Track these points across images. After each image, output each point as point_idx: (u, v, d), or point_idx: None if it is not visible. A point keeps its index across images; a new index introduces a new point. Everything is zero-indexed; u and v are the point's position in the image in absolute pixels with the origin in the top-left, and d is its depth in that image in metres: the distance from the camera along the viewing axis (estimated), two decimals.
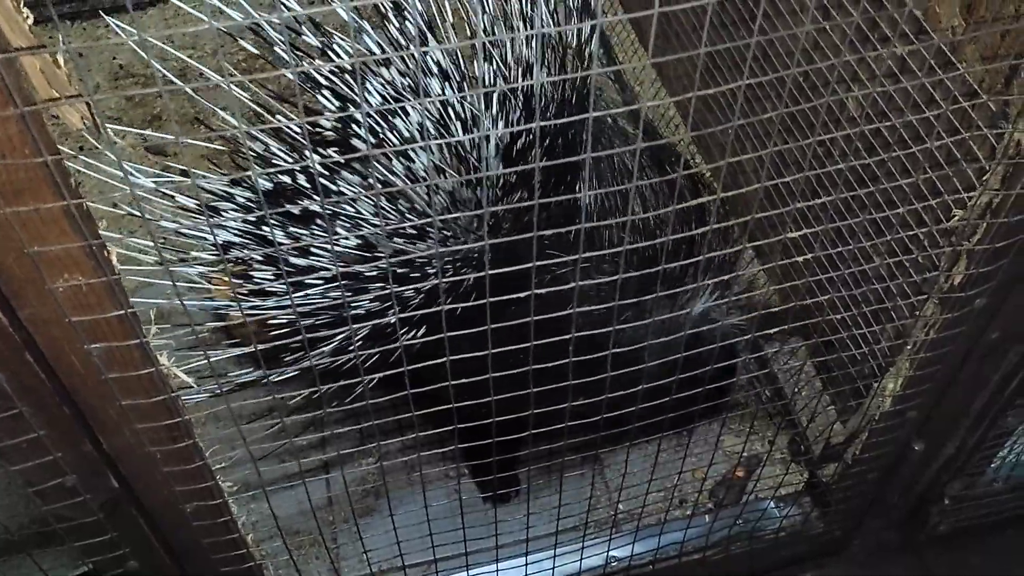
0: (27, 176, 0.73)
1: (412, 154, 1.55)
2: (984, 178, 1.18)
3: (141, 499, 1.09)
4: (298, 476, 1.16)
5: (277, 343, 1.33)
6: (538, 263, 0.89)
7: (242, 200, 1.63)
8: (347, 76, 1.56)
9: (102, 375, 0.89)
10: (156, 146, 2.44)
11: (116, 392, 0.91)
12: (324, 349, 1.56)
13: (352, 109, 1.57)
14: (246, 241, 1.61)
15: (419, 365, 1.04)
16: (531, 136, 1.54)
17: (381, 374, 1.04)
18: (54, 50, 0.71)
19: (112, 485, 1.03)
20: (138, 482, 1.05)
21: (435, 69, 1.58)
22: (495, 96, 1.55)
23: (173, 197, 1.58)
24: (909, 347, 1.34)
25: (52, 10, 0.68)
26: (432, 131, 1.57)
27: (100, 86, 2.61)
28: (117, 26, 1.48)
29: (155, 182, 1.56)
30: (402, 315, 1.52)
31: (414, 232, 1.57)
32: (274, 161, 1.63)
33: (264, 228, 1.59)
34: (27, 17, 0.71)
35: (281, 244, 1.56)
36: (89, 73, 2.60)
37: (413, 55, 1.54)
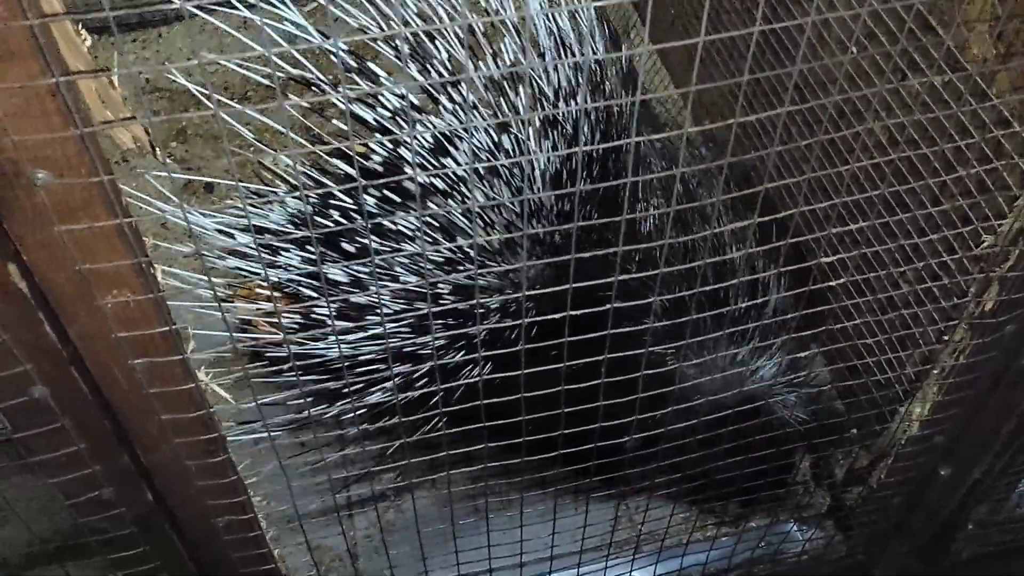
0: (82, 195, 0.74)
1: (466, 190, 1.57)
2: (1016, 203, 1.19)
3: (174, 512, 1.09)
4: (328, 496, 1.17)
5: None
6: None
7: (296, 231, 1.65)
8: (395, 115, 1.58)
9: (144, 390, 0.90)
10: (182, 160, 2.46)
11: (156, 407, 0.92)
12: (385, 386, 1.57)
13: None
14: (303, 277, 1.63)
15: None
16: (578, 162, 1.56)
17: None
18: (113, 72, 0.73)
19: (147, 498, 1.04)
20: (172, 495, 1.06)
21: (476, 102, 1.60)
22: (539, 125, 1.56)
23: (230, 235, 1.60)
24: (937, 372, 1.34)
25: (114, 27, 0.69)
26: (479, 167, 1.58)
27: (126, 100, 2.63)
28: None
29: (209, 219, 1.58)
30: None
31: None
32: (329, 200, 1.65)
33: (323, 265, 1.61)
34: (85, 39, 0.73)
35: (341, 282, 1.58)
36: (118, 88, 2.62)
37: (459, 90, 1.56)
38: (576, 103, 1.57)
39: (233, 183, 1.74)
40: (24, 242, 0.76)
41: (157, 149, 0.78)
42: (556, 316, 0.99)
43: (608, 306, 0.97)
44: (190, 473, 1.02)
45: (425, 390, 1.48)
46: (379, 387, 1.54)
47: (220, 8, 1.51)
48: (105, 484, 0.99)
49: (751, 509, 1.73)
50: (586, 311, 0.97)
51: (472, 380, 1.09)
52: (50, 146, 0.69)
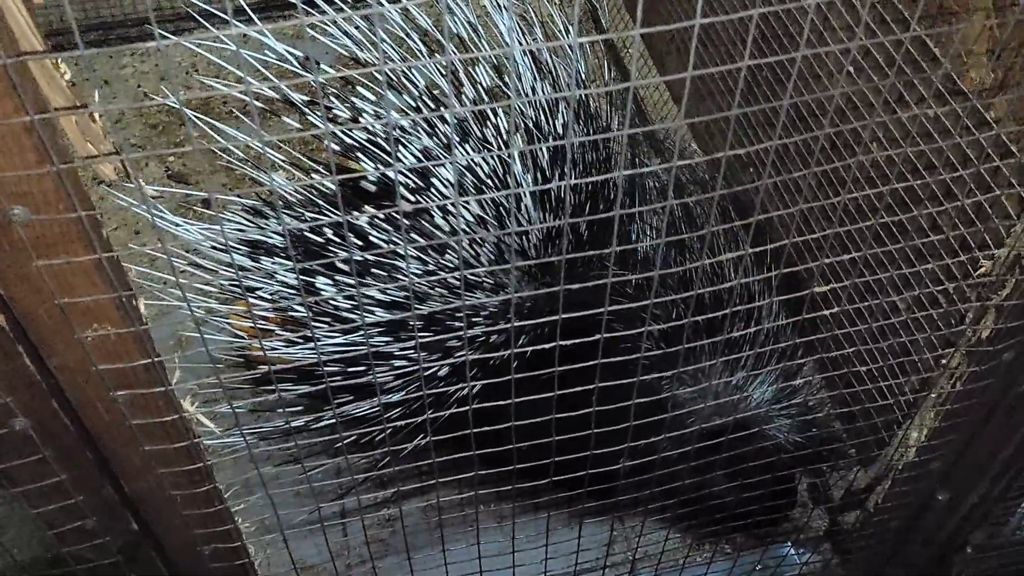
0: (60, 231, 0.73)
1: (452, 208, 1.56)
2: (1013, 230, 1.18)
3: (160, 541, 1.08)
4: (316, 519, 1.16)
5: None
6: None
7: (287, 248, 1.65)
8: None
9: (127, 421, 0.89)
10: (178, 174, 2.45)
11: (139, 438, 0.91)
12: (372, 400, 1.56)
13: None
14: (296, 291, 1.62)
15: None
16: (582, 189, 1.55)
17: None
18: (91, 108, 0.72)
19: (132, 528, 1.03)
20: (158, 525, 1.05)
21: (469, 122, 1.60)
22: (524, 143, 1.56)
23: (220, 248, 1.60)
24: (934, 398, 1.33)
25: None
26: (470, 186, 1.57)
27: (124, 113, 2.63)
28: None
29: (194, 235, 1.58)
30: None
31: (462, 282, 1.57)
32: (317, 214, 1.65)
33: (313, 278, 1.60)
34: (64, 74, 0.72)
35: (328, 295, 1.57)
36: (115, 99, 2.62)
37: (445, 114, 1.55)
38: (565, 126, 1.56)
39: (219, 199, 1.74)
40: (3, 276, 0.75)
41: (136, 176, 0.77)
42: (547, 346, 0.98)
43: (598, 336, 0.96)
44: (175, 503, 1.01)
45: (410, 413, 1.47)
46: (366, 400, 1.53)
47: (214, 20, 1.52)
48: (89, 514, 0.98)
49: (748, 536, 1.72)
50: (576, 340, 0.96)
51: (460, 409, 1.09)
52: (26, 182, 0.68)
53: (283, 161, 1.81)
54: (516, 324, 0.91)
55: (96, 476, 0.94)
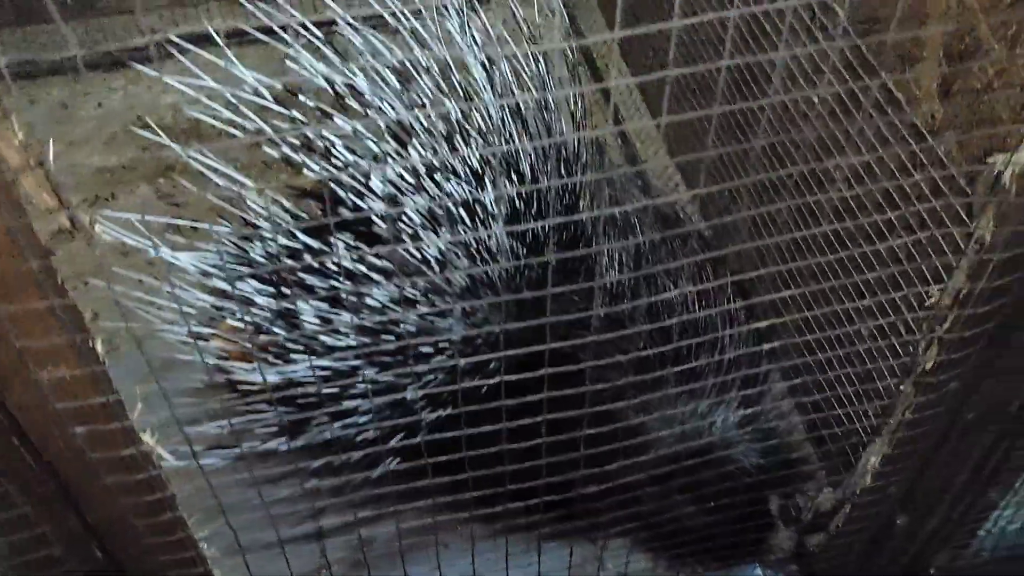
0: (14, 279, 0.77)
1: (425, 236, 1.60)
2: (955, 268, 1.21)
3: (126, 569, 1.12)
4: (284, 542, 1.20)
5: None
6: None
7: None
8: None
9: (86, 455, 0.93)
10: (168, 195, 2.50)
11: (99, 470, 0.95)
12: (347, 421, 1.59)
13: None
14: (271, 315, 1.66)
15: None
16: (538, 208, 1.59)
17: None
18: (45, 168, 0.75)
19: (97, 555, 1.06)
20: (122, 553, 1.08)
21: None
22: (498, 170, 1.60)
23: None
24: (889, 425, 1.36)
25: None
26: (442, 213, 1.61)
27: (117, 135, 2.68)
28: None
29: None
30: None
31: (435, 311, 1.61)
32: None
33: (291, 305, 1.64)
34: (17, 134, 0.76)
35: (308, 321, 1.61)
36: (107, 123, 2.67)
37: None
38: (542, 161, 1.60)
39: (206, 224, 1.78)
40: None
41: (89, 233, 0.81)
42: (515, 376, 1.02)
43: (561, 368, 1.00)
44: (138, 531, 1.04)
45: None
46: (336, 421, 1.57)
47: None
48: (55, 543, 1.02)
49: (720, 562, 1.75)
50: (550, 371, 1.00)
51: (420, 440, 1.13)
52: None
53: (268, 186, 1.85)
54: (462, 360, 0.94)
55: (60, 507, 0.98)
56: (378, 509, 1.34)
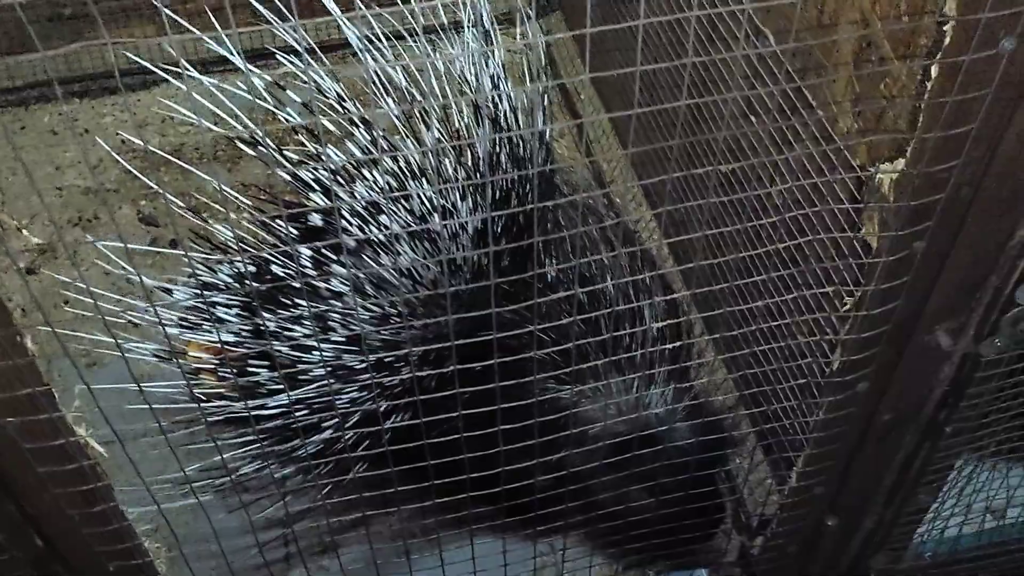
0: None
1: (397, 248, 1.68)
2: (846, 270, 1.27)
3: (67, 558, 1.18)
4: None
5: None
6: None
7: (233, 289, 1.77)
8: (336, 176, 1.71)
9: (19, 445, 1.00)
10: (149, 217, 2.59)
11: (33, 461, 1.02)
12: (316, 438, 1.66)
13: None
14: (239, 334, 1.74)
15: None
16: (501, 222, 1.67)
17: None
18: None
19: (37, 543, 1.13)
20: (61, 542, 1.15)
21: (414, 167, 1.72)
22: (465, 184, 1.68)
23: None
24: (808, 425, 1.42)
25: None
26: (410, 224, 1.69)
27: (103, 159, 2.77)
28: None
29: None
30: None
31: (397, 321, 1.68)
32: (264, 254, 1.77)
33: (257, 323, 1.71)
34: None
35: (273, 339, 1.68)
36: (93, 148, 2.77)
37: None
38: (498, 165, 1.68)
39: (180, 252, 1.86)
40: None
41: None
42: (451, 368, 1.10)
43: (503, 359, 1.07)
44: (74, 521, 1.11)
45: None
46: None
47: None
48: None
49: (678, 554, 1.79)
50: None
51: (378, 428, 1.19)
52: None
53: (247, 205, 1.94)
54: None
55: None
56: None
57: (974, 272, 1.19)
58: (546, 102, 1.79)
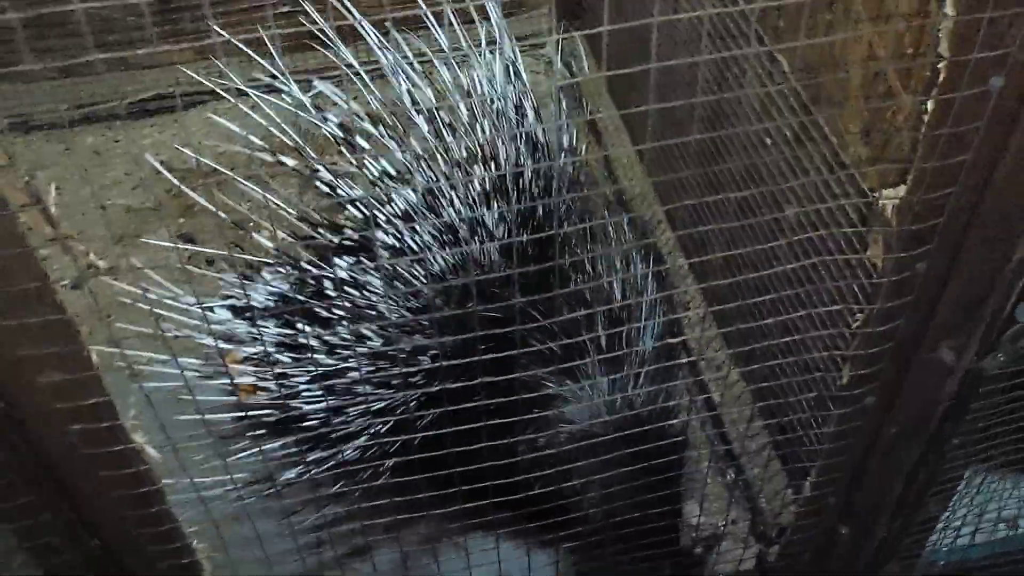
0: (14, 297, 0.93)
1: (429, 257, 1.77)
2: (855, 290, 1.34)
3: (121, 559, 1.27)
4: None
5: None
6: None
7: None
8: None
9: (79, 451, 1.08)
10: (187, 234, 2.69)
11: (92, 465, 1.10)
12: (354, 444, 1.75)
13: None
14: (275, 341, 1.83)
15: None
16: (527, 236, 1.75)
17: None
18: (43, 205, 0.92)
19: (92, 545, 1.22)
20: (115, 543, 1.23)
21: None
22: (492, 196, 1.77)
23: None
24: (821, 435, 1.48)
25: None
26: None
27: (144, 179, 2.88)
28: None
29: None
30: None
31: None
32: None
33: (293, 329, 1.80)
34: (24, 177, 0.92)
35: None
36: (136, 167, 2.88)
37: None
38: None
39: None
40: None
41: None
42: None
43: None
44: (129, 523, 1.20)
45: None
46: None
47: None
48: (54, 532, 1.18)
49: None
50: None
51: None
52: None
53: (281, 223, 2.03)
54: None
55: (56, 498, 1.13)
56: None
57: (974, 292, 1.25)
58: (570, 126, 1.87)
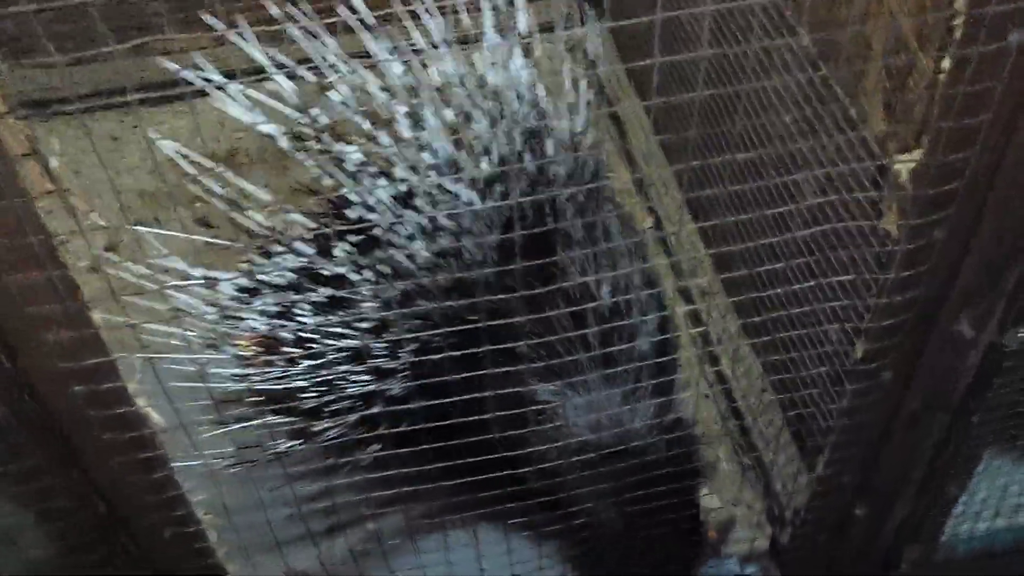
0: (20, 253, 0.93)
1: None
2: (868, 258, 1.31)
3: (128, 523, 1.27)
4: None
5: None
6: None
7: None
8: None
9: (84, 412, 1.08)
10: (203, 218, 2.70)
11: (96, 428, 1.10)
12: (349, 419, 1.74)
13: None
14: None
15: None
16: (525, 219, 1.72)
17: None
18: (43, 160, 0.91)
19: (100, 509, 1.21)
20: (122, 508, 1.23)
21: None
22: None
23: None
24: (834, 412, 1.46)
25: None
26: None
27: (160, 164, 2.89)
28: None
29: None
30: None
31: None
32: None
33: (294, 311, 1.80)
34: (24, 129, 0.92)
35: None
36: (151, 154, 2.89)
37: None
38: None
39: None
40: None
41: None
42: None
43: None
44: (134, 487, 1.19)
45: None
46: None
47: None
48: (61, 495, 1.17)
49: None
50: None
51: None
52: None
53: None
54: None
55: (63, 461, 1.13)
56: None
57: (995, 261, 1.22)
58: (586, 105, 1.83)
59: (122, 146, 2.93)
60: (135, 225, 2.68)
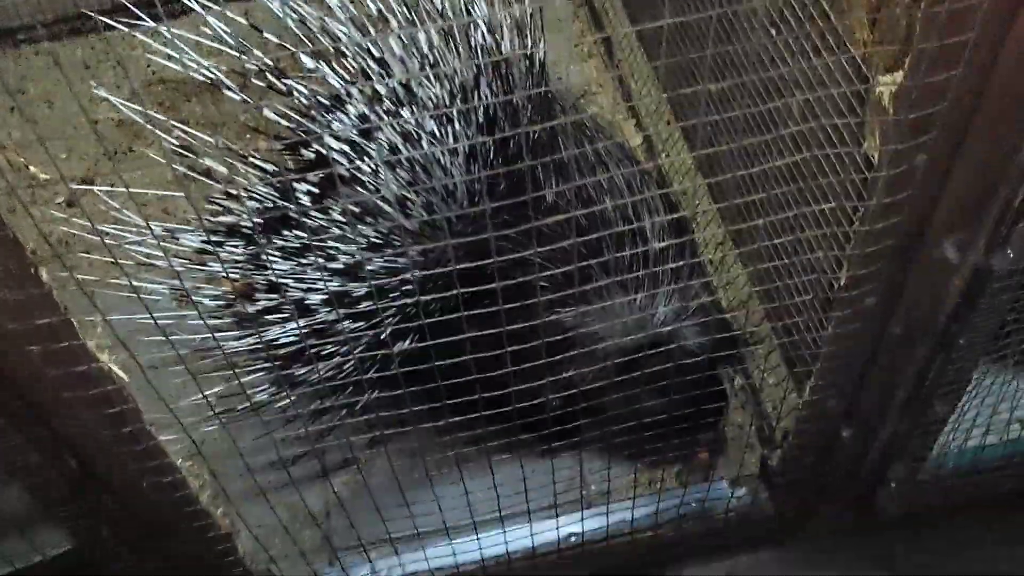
0: None
1: (385, 175, 1.69)
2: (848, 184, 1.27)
3: (102, 477, 1.26)
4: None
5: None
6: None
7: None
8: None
9: (44, 371, 1.06)
10: (184, 146, 2.63)
11: (58, 386, 1.08)
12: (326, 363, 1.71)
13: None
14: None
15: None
16: (493, 145, 1.67)
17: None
18: None
19: (71, 465, 1.20)
20: (95, 462, 1.22)
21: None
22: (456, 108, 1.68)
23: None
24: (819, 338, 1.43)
25: None
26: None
27: (136, 91, 2.81)
28: None
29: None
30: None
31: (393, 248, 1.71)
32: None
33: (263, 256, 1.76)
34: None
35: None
36: (126, 80, 2.81)
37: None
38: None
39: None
40: None
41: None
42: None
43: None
44: (106, 442, 1.18)
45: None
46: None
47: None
48: (31, 452, 1.16)
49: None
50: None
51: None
52: None
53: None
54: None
55: (28, 419, 1.11)
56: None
57: (981, 184, 1.18)
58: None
59: (96, 74, 2.85)
60: (113, 155, 2.65)
